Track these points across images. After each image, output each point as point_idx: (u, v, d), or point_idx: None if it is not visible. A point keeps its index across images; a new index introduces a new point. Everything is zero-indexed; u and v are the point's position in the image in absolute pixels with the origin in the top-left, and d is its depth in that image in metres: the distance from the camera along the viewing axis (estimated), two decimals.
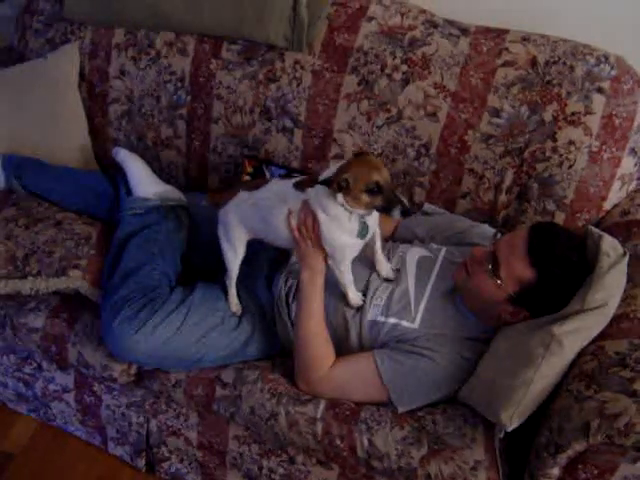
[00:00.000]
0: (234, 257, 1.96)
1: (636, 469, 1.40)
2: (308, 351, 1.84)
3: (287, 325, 1.97)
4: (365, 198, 1.66)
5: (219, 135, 2.46)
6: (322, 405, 1.81)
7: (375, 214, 1.78)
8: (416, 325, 1.83)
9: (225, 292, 2.00)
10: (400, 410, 1.77)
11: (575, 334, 1.61)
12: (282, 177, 2.31)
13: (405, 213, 1.66)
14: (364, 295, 1.90)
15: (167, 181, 2.39)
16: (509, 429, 1.60)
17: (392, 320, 1.84)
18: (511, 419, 1.59)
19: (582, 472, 1.48)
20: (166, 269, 2.04)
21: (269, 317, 2.02)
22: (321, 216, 1.75)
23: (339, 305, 1.90)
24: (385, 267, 1.93)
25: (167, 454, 2.21)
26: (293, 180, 1.86)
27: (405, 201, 1.65)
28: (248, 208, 1.90)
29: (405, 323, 1.83)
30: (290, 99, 2.31)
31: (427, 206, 2.24)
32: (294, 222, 1.80)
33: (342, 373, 1.83)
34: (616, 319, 1.66)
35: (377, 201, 1.66)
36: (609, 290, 1.62)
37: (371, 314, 1.87)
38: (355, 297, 1.88)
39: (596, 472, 1.46)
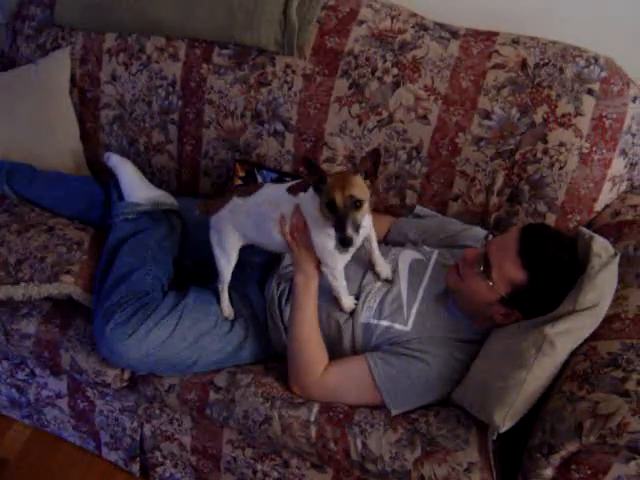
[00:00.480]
0: (227, 263, 1.96)
1: (629, 469, 1.40)
2: (302, 355, 1.84)
3: (280, 329, 1.97)
4: (325, 211, 1.66)
5: (211, 139, 2.46)
6: (315, 408, 1.81)
7: (367, 219, 1.78)
8: (408, 328, 1.83)
9: (217, 296, 2.00)
10: (393, 412, 1.77)
11: (567, 335, 1.61)
12: (275, 182, 2.31)
13: (340, 242, 1.62)
14: (357, 298, 1.90)
15: (159, 186, 2.39)
16: (502, 430, 1.60)
17: (385, 323, 1.85)
18: (504, 420, 1.59)
19: (575, 473, 1.48)
20: (158, 274, 2.04)
21: (262, 321, 2.02)
22: (310, 222, 1.75)
23: (332, 309, 1.91)
24: (385, 268, 1.93)
25: (161, 459, 2.20)
26: (286, 185, 1.86)
27: (349, 233, 1.60)
28: (242, 214, 1.90)
29: (398, 326, 1.84)
30: (281, 103, 2.31)
31: (419, 209, 2.24)
32: (287, 227, 1.80)
33: (335, 376, 1.83)
34: (608, 320, 1.66)
35: (331, 218, 1.65)
36: (600, 291, 1.63)
37: (364, 317, 1.87)
38: (348, 302, 1.88)
39: (589, 472, 1.46)
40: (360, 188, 1.64)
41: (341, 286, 1.85)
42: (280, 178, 2.32)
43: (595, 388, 1.50)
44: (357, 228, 1.63)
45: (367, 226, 1.80)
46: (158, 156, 2.58)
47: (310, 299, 1.84)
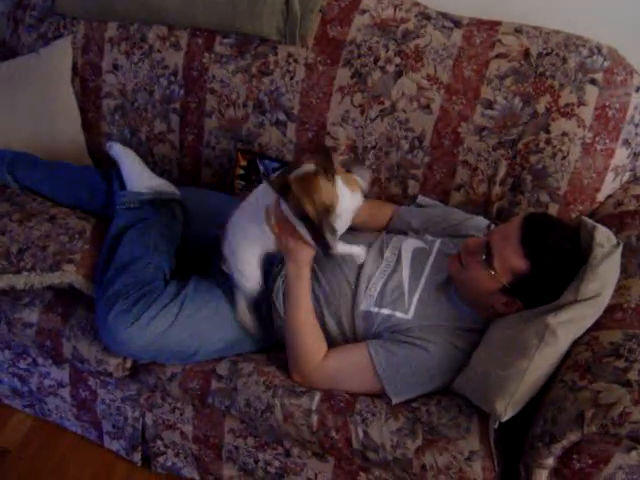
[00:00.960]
0: (255, 278, 1.91)
1: (630, 458, 1.40)
2: (300, 343, 1.84)
3: (281, 317, 1.96)
4: (297, 222, 1.64)
5: (212, 129, 2.46)
6: (317, 397, 1.81)
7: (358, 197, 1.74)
8: (410, 316, 1.83)
9: (217, 285, 1.98)
10: (394, 401, 1.77)
11: (569, 324, 1.61)
12: (276, 171, 2.31)
13: (323, 252, 1.61)
14: (357, 287, 1.89)
15: (161, 175, 2.38)
16: (503, 419, 1.61)
17: (386, 311, 1.84)
18: (505, 409, 1.60)
19: (577, 462, 1.48)
20: (160, 263, 2.03)
21: (264, 310, 2.02)
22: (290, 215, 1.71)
23: (332, 296, 1.91)
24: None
25: (163, 448, 2.21)
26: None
27: (329, 241, 1.58)
28: (239, 217, 1.88)
29: (399, 314, 1.83)
30: (283, 92, 2.30)
31: (421, 198, 2.24)
32: (273, 218, 1.78)
33: (336, 364, 1.83)
34: (610, 310, 1.66)
35: (306, 230, 1.63)
36: (603, 281, 1.63)
37: (365, 305, 1.87)
38: (359, 252, 1.82)
39: (591, 462, 1.46)
40: (327, 191, 1.60)
41: (347, 248, 1.78)
42: (281, 168, 2.32)
43: (597, 378, 1.50)
44: (334, 232, 1.61)
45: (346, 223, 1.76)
46: (160, 145, 2.58)
47: (304, 286, 1.82)
